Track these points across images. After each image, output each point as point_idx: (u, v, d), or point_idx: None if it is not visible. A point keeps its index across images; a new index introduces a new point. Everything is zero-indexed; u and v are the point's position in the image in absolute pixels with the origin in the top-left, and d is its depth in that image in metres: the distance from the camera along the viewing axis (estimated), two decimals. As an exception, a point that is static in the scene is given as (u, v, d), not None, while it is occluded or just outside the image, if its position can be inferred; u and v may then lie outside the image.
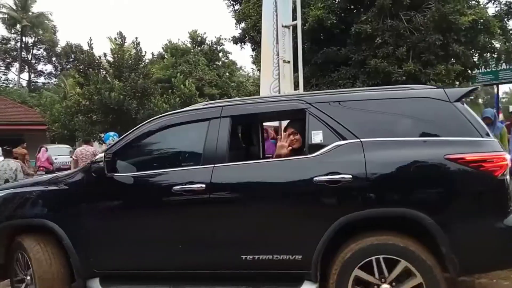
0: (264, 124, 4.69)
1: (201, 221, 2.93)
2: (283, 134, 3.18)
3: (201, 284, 2.98)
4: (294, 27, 6.44)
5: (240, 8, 10.73)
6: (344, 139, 2.75)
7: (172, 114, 3.36)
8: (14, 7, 35.19)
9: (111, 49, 16.35)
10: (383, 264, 2.57)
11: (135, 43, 16.31)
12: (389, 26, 8.02)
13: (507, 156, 2.60)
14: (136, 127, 3.37)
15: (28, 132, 20.66)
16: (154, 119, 3.35)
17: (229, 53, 31.88)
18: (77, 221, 3.16)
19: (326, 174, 2.66)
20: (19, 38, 37.03)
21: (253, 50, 11.46)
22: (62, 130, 16.43)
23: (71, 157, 10.50)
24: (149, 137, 3.27)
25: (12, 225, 3.40)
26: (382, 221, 2.71)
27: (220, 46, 30.63)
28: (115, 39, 16.97)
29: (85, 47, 16.15)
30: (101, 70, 15.80)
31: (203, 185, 2.86)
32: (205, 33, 30.31)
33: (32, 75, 39.80)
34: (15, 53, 37.39)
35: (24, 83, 37.98)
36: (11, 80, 37.94)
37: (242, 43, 11.10)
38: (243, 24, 10.50)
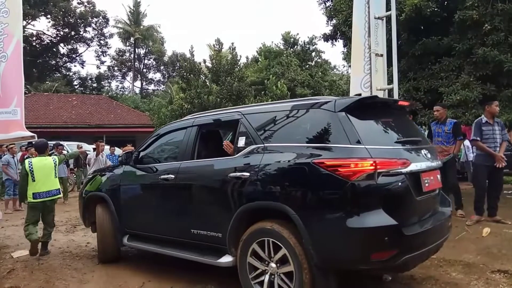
0: None
1: (172, 202, 4.05)
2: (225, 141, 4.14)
3: (173, 248, 4.03)
4: (388, 18, 6.14)
5: (331, 4, 10.58)
6: (256, 143, 3.42)
7: (167, 124, 4.72)
8: (128, 22, 39.59)
9: (209, 55, 17.40)
10: (269, 245, 3.14)
11: (231, 48, 17.11)
12: (499, 10, 7.17)
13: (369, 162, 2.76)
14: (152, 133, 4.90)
15: (139, 134, 23.13)
16: (158, 129, 4.64)
17: (322, 52, 31.61)
18: (117, 195, 4.67)
19: (235, 171, 3.39)
20: (133, 50, 41.66)
21: (344, 46, 11.20)
22: (168, 131, 17.78)
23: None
24: (157, 141, 4.68)
25: (92, 195, 5.10)
26: (271, 212, 3.21)
27: (313, 46, 30.50)
28: (213, 45, 18.00)
29: (188, 55, 17.44)
30: (201, 76, 16.89)
31: (173, 176, 3.98)
32: (297, 34, 30.46)
33: (144, 83, 44.45)
34: (129, 63, 42.14)
35: (137, 90, 42.50)
36: (126, 88, 42.91)
37: (333, 40, 10.92)
38: (334, 21, 10.32)
